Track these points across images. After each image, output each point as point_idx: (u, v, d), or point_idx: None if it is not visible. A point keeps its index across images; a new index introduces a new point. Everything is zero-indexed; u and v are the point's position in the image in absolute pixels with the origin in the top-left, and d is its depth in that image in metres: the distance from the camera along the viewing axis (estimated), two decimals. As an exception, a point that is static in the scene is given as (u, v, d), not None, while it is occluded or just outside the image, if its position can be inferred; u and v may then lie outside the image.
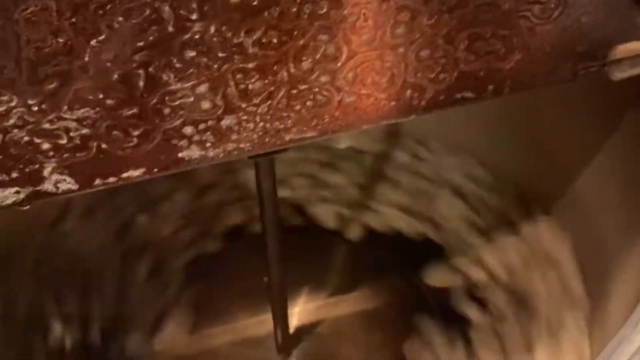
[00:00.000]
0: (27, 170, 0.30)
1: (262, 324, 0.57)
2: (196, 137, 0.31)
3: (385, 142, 0.64)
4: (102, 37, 0.27)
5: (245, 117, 0.31)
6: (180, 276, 0.60)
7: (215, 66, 0.29)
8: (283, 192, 0.58)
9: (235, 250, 0.61)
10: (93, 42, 0.27)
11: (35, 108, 0.28)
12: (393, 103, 0.33)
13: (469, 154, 0.62)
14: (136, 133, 0.30)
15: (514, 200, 0.59)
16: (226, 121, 0.31)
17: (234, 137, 0.32)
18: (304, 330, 0.58)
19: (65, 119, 0.29)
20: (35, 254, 0.57)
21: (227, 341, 0.58)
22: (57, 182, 0.30)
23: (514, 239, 0.58)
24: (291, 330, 0.56)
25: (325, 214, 0.63)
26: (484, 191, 0.61)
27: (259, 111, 0.31)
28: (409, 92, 0.33)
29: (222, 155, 0.32)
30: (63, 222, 0.58)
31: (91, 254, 0.58)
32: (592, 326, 0.52)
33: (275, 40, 0.29)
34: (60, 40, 0.27)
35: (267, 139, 0.32)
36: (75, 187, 0.31)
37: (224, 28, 0.28)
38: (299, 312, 0.59)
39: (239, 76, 0.30)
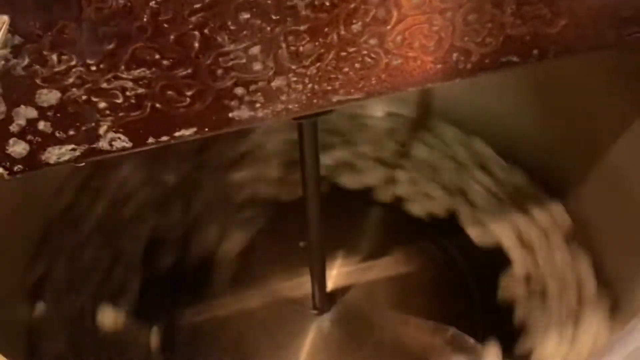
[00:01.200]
0: (83, 128, 0.31)
1: (298, 286, 0.59)
2: (247, 98, 0.32)
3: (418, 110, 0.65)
4: (161, -2, 0.28)
5: (294, 79, 0.32)
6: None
7: (268, 28, 0.30)
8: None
9: (272, 216, 0.63)
10: (152, 3, 0.28)
11: (94, 67, 0.29)
12: (439, 66, 0.33)
13: (497, 125, 0.62)
14: (189, 93, 0.31)
15: (539, 173, 0.60)
16: (276, 82, 0.32)
17: (283, 97, 0.32)
18: (340, 293, 0.59)
19: (122, 78, 0.30)
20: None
21: (264, 302, 0.59)
22: (112, 140, 0.31)
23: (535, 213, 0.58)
24: (327, 292, 0.57)
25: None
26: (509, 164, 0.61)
27: (308, 73, 0.32)
28: (455, 55, 0.33)
29: (270, 115, 0.33)
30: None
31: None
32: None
33: (327, 3, 0.30)
34: (121, 1, 0.27)
35: (314, 100, 0.33)
36: (129, 145, 0.32)
37: (278, -10, 0.29)
38: (335, 276, 0.60)
39: (290, 38, 0.30)
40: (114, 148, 0.32)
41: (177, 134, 0.32)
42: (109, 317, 0.55)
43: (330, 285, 0.59)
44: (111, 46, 0.29)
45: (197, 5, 0.28)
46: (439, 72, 0.33)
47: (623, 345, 0.30)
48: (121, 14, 0.28)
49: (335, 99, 0.33)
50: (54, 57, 0.28)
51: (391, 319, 0.58)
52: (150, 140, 0.32)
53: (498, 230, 0.59)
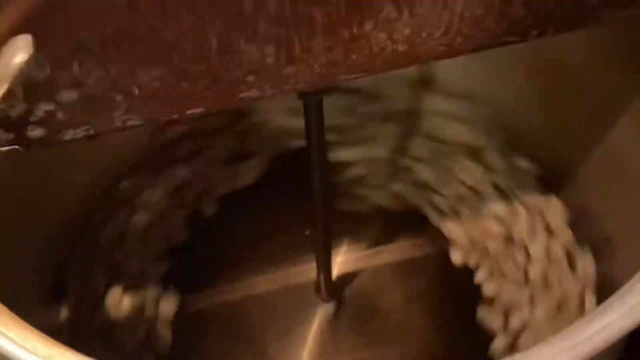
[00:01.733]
0: (98, 114, 0.32)
1: (304, 272, 0.59)
2: (257, 83, 0.33)
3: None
4: None
5: (303, 66, 0.33)
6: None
7: (284, 32, 0.30)
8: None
9: (277, 202, 0.63)
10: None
11: (113, 71, 0.30)
12: (442, 48, 0.34)
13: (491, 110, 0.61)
14: (203, 84, 0.32)
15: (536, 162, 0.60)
16: (286, 70, 0.32)
17: (291, 81, 0.33)
18: (346, 280, 0.60)
19: (139, 76, 0.30)
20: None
21: (270, 289, 0.60)
22: (126, 120, 0.32)
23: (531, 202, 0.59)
24: (333, 279, 0.58)
25: None
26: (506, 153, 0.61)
27: (317, 60, 0.32)
28: (459, 39, 0.34)
29: (278, 93, 0.34)
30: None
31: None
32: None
33: (343, 12, 0.30)
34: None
35: (320, 79, 0.34)
36: (140, 122, 0.33)
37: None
38: (340, 262, 0.61)
39: (304, 38, 0.31)
40: (127, 125, 0.33)
41: (188, 112, 0.33)
42: (117, 301, 0.56)
43: (336, 271, 0.58)
44: (129, 50, 0.29)
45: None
46: (442, 52, 0.34)
47: (621, 303, 0.30)
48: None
49: (340, 77, 0.34)
50: (75, 64, 0.29)
51: (396, 304, 0.59)
52: (162, 118, 0.33)
53: None
